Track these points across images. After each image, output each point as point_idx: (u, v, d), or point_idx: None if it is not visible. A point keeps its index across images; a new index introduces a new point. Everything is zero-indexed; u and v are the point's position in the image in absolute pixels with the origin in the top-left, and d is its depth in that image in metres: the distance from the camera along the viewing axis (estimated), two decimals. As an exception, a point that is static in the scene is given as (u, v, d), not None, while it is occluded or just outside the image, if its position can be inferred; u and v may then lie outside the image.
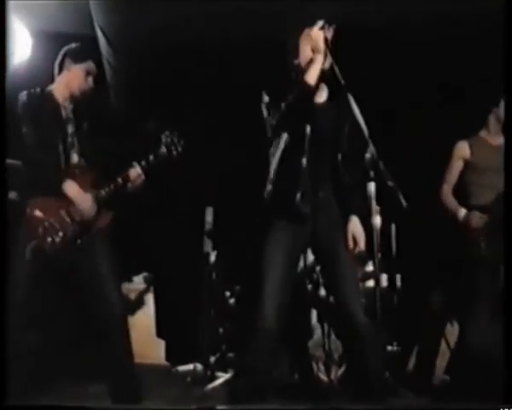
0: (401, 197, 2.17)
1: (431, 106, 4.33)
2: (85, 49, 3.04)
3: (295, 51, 2.69)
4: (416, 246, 4.38)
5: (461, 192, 3.49)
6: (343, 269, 2.62)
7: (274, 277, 2.59)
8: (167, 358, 4.61)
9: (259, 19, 3.79)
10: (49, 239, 2.79)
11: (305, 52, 2.64)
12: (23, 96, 2.90)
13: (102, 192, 2.91)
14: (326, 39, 2.54)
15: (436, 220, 3.86)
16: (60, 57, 3.00)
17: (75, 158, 2.94)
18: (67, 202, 2.84)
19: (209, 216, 4.54)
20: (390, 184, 2.15)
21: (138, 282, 4.79)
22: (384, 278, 4.37)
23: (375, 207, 2.64)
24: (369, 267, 4.35)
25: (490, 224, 3.29)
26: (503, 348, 2.49)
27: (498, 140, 3.44)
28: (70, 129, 2.95)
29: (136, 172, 3.00)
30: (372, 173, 2.47)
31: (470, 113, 3.76)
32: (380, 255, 4.24)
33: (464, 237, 3.36)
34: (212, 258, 4.36)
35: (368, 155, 2.24)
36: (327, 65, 2.56)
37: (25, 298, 2.74)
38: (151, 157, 3.04)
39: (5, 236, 2.57)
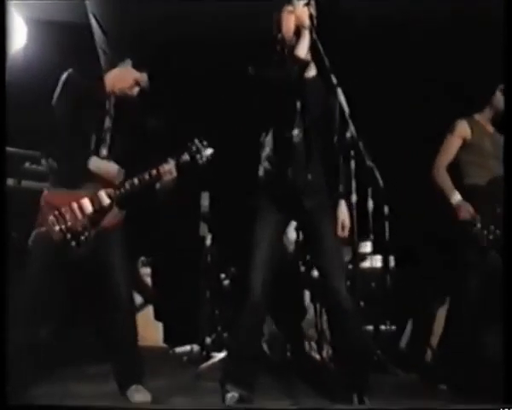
0: (378, 177, 2.23)
1: (421, 92, 4.35)
2: (146, 60, 3.02)
3: (278, 25, 2.75)
4: (408, 226, 4.44)
5: (455, 170, 3.47)
6: (329, 248, 2.71)
7: (259, 253, 2.68)
8: (165, 340, 4.70)
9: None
10: (57, 228, 2.80)
11: (288, 26, 2.70)
12: (67, 72, 2.84)
13: (127, 186, 2.86)
14: (311, 15, 2.60)
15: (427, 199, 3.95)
16: (105, 52, 3.12)
17: (104, 153, 2.91)
18: (80, 195, 2.83)
19: (205, 200, 4.62)
20: (369, 164, 2.21)
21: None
22: (378, 259, 4.45)
23: (354, 186, 2.71)
24: (366, 249, 4.43)
25: (484, 206, 3.29)
26: (502, 348, 2.49)
27: (491, 128, 3.52)
28: (107, 123, 2.93)
29: (168, 167, 2.89)
30: (352, 153, 2.52)
31: (463, 94, 3.81)
32: (372, 237, 4.35)
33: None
34: (208, 241, 4.43)
35: (348, 135, 2.29)
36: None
37: (30, 284, 2.77)
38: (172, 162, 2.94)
39: (6, 223, 2.61)
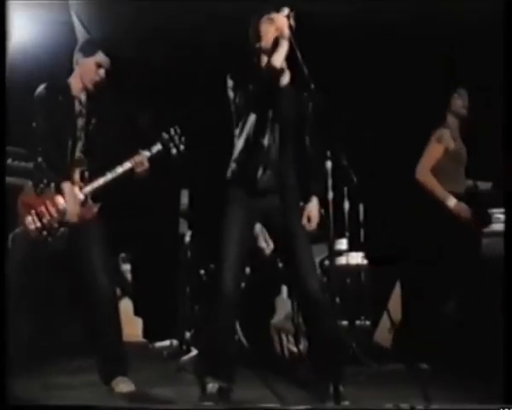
0: (352, 174, 2.35)
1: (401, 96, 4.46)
2: (94, 42, 3.11)
3: (257, 36, 2.84)
4: (383, 224, 4.58)
5: (436, 177, 3.59)
6: (299, 244, 2.81)
7: (230, 250, 2.78)
8: (144, 335, 4.77)
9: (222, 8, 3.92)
10: (34, 227, 2.89)
11: (268, 36, 2.80)
12: (41, 87, 2.98)
13: (100, 182, 2.95)
14: (290, 26, 2.71)
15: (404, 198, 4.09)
16: (75, 52, 3.07)
17: (78, 153, 3.00)
18: (54, 193, 2.92)
19: (184, 198, 4.71)
20: (344, 162, 2.34)
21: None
22: (353, 256, 4.58)
23: (331, 184, 2.82)
24: (342, 246, 4.55)
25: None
26: (502, 348, 2.48)
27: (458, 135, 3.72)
28: (80, 123, 3.03)
29: (140, 158, 2.98)
30: (329, 153, 2.63)
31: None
32: (348, 234, 4.48)
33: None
34: (187, 238, 4.52)
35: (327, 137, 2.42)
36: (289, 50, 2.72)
37: (13, 283, 2.79)
38: (146, 153, 3.02)
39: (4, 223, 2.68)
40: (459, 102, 3.69)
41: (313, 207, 2.88)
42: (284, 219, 2.80)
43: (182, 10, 4.01)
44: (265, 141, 2.79)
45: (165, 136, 3.07)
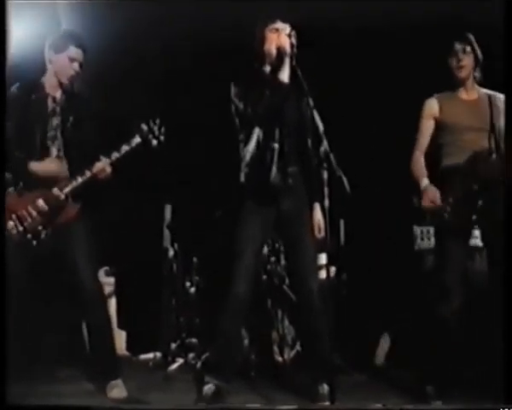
0: (346, 184, 2.51)
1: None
2: (64, 37, 3.10)
3: (261, 42, 3.01)
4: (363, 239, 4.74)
5: (433, 155, 3.21)
6: (304, 248, 2.97)
7: (244, 257, 2.93)
8: (128, 348, 4.79)
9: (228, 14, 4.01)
10: (16, 231, 2.94)
11: (272, 46, 2.97)
12: (14, 87, 3.00)
13: (74, 183, 3.01)
14: (292, 45, 2.89)
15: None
16: (46, 51, 3.09)
17: (54, 152, 3.05)
18: (36, 195, 2.98)
19: (168, 213, 4.82)
20: (338, 173, 2.50)
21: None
22: (332, 271, 4.71)
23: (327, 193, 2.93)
24: (322, 260, 4.68)
25: (457, 187, 3.06)
26: (503, 348, 2.52)
27: (474, 95, 3.19)
28: (55, 121, 3.07)
29: (101, 165, 3.02)
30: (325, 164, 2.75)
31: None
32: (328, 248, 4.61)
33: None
34: (171, 252, 4.60)
35: (322, 149, 2.57)
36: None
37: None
38: (125, 147, 3.06)
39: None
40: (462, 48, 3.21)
41: (320, 216, 3.05)
42: (292, 223, 2.94)
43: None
44: (275, 145, 2.94)
45: (144, 127, 3.10)
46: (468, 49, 3.11)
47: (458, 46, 3.11)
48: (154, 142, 3.10)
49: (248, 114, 2.93)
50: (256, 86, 2.92)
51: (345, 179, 2.52)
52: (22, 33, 3.85)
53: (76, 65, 3.08)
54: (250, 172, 2.97)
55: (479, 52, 3.13)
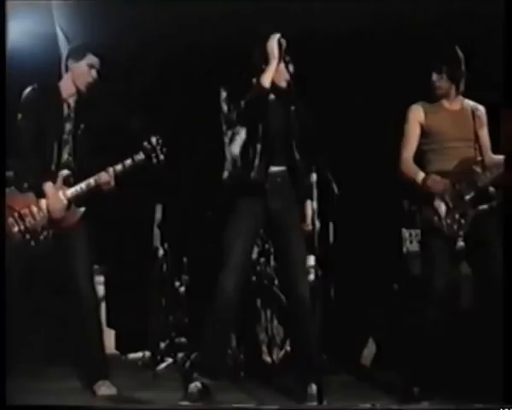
0: (334, 186, 2.55)
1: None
2: (83, 45, 3.18)
3: (265, 56, 2.99)
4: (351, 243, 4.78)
5: (417, 162, 3.21)
6: (295, 247, 2.98)
7: (233, 256, 2.94)
8: (117, 347, 4.79)
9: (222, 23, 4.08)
10: (16, 229, 2.96)
11: (261, 51, 2.98)
12: (28, 89, 3.05)
13: (78, 189, 3.05)
14: (280, 48, 2.92)
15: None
16: (64, 59, 3.17)
17: (65, 156, 3.08)
18: (39, 195, 3.00)
19: (158, 213, 4.83)
20: (327, 176, 2.54)
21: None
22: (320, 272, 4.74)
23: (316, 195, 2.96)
24: (310, 262, 4.71)
25: (452, 193, 3.10)
26: (502, 348, 2.51)
27: (456, 106, 3.25)
28: (68, 127, 3.10)
29: (107, 177, 3.07)
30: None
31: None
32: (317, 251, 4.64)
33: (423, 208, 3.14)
34: (162, 251, 4.61)
35: (310, 150, 2.61)
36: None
37: None
38: (128, 162, 3.12)
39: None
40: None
41: (308, 208, 3.09)
42: (281, 222, 2.97)
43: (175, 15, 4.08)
44: (258, 145, 2.98)
45: (148, 145, 3.14)
46: (444, 77, 3.18)
47: (435, 76, 3.19)
48: (155, 160, 3.14)
49: (233, 116, 2.97)
50: (243, 91, 2.95)
51: (333, 182, 2.55)
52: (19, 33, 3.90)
53: (94, 72, 3.14)
54: (233, 172, 3.01)
55: (463, 66, 3.17)
